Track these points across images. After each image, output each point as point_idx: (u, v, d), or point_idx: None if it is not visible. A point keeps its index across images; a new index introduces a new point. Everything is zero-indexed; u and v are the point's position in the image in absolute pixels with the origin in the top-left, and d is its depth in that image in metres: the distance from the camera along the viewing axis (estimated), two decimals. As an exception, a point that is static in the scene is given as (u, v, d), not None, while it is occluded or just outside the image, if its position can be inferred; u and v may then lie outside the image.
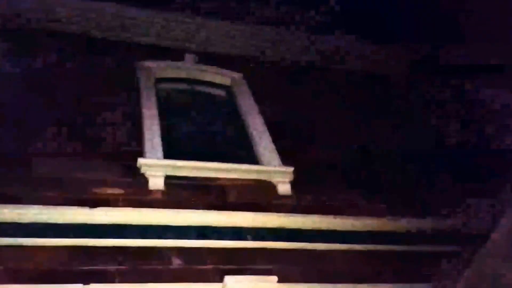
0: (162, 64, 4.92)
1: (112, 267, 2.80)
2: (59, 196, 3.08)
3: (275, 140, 4.23)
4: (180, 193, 3.45)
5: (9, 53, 4.32)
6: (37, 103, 3.88)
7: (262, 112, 4.58)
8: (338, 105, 5.12)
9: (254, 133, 4.31)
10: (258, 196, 3.67)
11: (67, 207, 2.96)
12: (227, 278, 2.87)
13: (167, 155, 3.67)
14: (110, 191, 3.26)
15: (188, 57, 5.10)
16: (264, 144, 4.18)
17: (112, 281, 2.72)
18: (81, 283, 2.62)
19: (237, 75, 5.12)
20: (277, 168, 3.90)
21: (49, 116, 3.79)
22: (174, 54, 5.12)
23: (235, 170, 3.77)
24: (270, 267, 3.10)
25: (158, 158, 3.58)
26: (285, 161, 3.98)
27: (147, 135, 3.80)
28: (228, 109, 4.82)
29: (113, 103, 4.14)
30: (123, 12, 5.07)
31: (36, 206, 2.90)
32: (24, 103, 3.83)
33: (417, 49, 5.90)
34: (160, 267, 2.91)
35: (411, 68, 5.94)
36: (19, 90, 3.98)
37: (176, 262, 2.97)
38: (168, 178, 3.50)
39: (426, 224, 3.70)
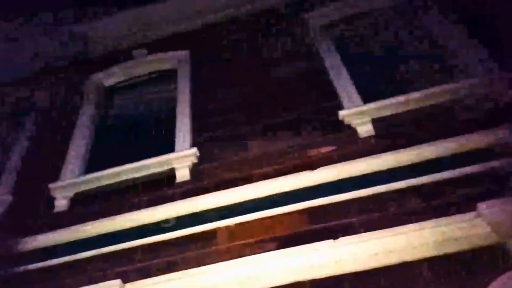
0: (326, 8, 4.64)
1: (352, 219, 2.80)
2: (281, 167, 3.26)
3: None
4: (394, 132, 3.20)
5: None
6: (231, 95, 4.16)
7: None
8: None
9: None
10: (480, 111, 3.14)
11: (290, 176, 3.11)
12: (480, 205, 2.51)
13: (366, 99, 3.45)
14: (323, 150, 3.27)
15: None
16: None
17: (357, 231, 2.71)
18: (330, 238, 2.69)
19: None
20: (494, 76, 3.20)
21: (246, 103, 4.01)
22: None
23: (446, 91, 3.27)
24: None
25: (358, 106, 3.41)
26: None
27: (338, 85, 3.67)
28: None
29: (295, 65, 4.14)
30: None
31: (262, 182, 3.14)
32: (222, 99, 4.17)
33: None
34: (400, 210, 2.76)
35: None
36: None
37: (416, 201, 2.77)
38: (375, 122, 3.30)
39: None
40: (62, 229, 3.35)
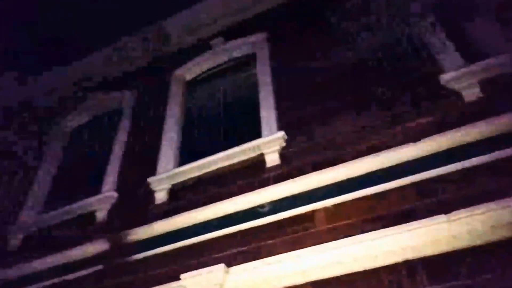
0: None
1: (463, 192, 2.52)
2: (378, 143, 3.02)
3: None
4: (507, 93, 2.80)
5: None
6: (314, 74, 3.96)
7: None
8: None
9: None
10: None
11: (390, 150, 2.87)
12: None
13: (469, 59, 3.07)
14: (424, 120, 2.97)
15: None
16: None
17: (471, 204, 2.40)
18: (442, 213, 2.45)
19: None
20: None
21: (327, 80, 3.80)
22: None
23: None
24: None
25: (464, 65, 3.03)
26: None
27: (436, 46, 3.31)
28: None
29: (378, 38, 3.80)
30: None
31: (361, 158, 2.94)
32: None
33: None
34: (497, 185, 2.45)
35: None
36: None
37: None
38: (483, 83, 2.92)
39: None
40: (164, 220, 3.49)
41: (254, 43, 4.68)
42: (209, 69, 5.01)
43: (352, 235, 2.63)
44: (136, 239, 3.55)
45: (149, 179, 3.90)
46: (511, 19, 3.33)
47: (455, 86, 3.01)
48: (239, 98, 4.46)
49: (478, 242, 2.33)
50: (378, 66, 3.58)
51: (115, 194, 4.09)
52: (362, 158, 2.96)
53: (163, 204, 3.76)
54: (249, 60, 4.68)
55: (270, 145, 3.48)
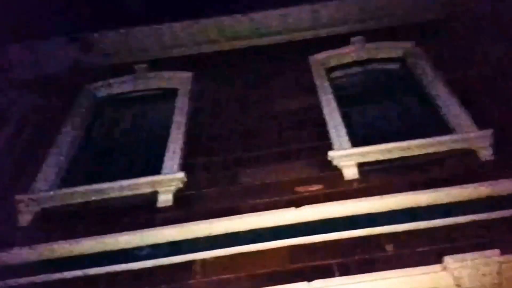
0: (330, 53, 4.76)
1: (330, 261, 2.78)
2: (267, 201, 3.22)
3: (464, 105, 3.68)
4: (377, 178, 3.26)
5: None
6: (228, 120, 4.14)
7: (444, 77, 4.03)
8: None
9: (440, 101, 3.81)
10: (461, 167, 3.26)
11: (276, 211, 3.07)
12: (447, 258, 2.62)
13: (355, 142, 3.50)
14: (310, 188, 3.27)
15: (354, 40, 4.80)
16: (453, 111, 3.66)
17: (333, 275, 2.70)
18: (305, 280, 2.66)
19: (409, 44, 4.61)
20: (475, 134, 3.37)
21: (243, 129, 3.99)
22: (340, 40, 4.91)
23: (429, 144, 3.37)
24: (488, 240, 2.73)
25: (346, 148, 3.45)
26: (479, 124, 3.45)
27: (331, 127, 3.70)
28: (405, 82, 4.37)
29: (296, 103, 4.16)
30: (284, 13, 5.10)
31: (250, 214, 3.08)
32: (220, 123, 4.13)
33: None
34: (374, 255, 2.79)
35: None
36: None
37: (390, 248, 2.81)
38: (361, 166, 3.34)
39: None
40: (21, 248, 3.05)
41: (179, 79, 4.73)
42: (127, 92, 4.87)
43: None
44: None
45: (17, 197, 3.43)
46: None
47: (339, 163, 3.37)
48: (150, 130, 4.37)
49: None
50: (285, 129, 3.88)
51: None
52: (251, 214, 3.06)
53: (26, 228, 3.33)
54: (169, 94, 4.65)
55: (166, 184, 3.42)
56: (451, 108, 3.71)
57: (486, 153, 3.28)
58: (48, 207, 3.47)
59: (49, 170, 3.78)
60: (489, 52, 4.31)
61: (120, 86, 4.89)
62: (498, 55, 4.24)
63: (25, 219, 3.40)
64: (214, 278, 2.81)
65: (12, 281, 2.93)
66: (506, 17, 4.62)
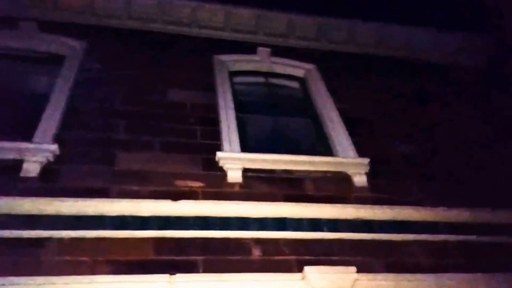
0: (236, 57, 4.80)
1: (196, 257, 2.77)
2: (143, 189, 3.10)
3: (349, 132, 4.02)
4: (258, 185, 3.35)
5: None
6: (115, 99, 3.89)
7: (336, 104, 4.33)
8: (408, 96, 4.79)
9: (329, 125, 4.09)
10: (335, 188, 3.52)
11: (151, 200, 2.97)
12: (307, 269, 2.79)
13: (244, 148, 3.58)
14: (190, 184, 3.22)
15: (261, 50, 4.92)
16: (339, 136, 3.96)
17: (196, 271, 2.69)
18: (167, 273, 2.60)
19: (310, 67, 4.86)
20: (353, 160, 3.71)
21: (129, 111, 3.78)
22: (247, 47, 4.98)
23: (311, 162, 3.59)
24: (348, 258, 3.00)
25: (235, 152, 3.50)
26: (360, 153, 3.79)
27: (224, 128, 3.71)
28: (302, 101, 4.60)
29: (191, 97, 4.08)
30: (198, 7, 5.00)
31: (121, 200, 2.94)
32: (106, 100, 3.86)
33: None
34: (241, 257, 2.85)
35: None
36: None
37: (256, 253, 2.90)
38: (245, 171, 3.40)
39: (504, 215, 3.47)
40: None
41: (69, 46, 4.32)
42: (7, 48, 4.24)
43: (83, 274, 2.51)
44: None
45: None
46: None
47: (225, 165, 3.39)
48: (29, 95, 3.87)
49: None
50: (177, 121, 3.77)
51: None
52: (123, 200, 2.92)
53: None
54: (56, 60, 4.19)
55: (34, 153, 3.06)
56: (337, 132, 3.99)
57: (360, 179, 3.57)
58: None
59: None
60: (381, 88, 4.79)
61: (2, 40, 4.26)
62: (389, 92, 4.74)
63: None
64: (69, 258, 2.59)
65: None
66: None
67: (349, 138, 3.94)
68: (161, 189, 3.12)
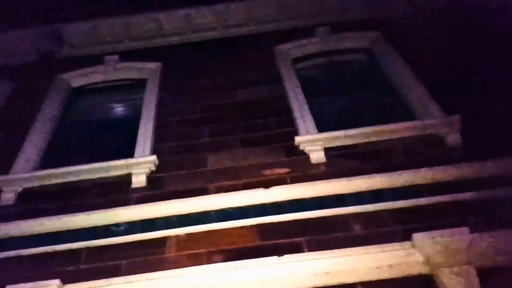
0: (296, 43, 4.84)
1: (298, 239, 2.85)
2: (236, 183, 3.30)
3: (430, 92, 3.81)
4: (343, 162, 3.34)
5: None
6: (195, 109, 4.20)
7: (411, 66, 4.15)
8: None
9: (407, 89, 3.93)
10: (427, 151, 3.35)
11: (245, 191, 3.14)
12: (416, 235, 2.65)
13: (321, 129, 3.59)
14: (277, 171, 3.34)
15: (319, 30, 4.89)
16: (420, 98, 3.78)
17: (302, 250, 2.78)
18: (275, 255, 2.71)
19: (375, 35, 4.73)
20: (442, 120, 3.47)
21: (209, 117, 4.05)
22: (305, 31, 4.99)
23: (395, 130, 3.47)
24: (456, 220, 2.79)
25: (313, 133, 3.53)
26: (447, 111, 3.57)
27: (297, 114, 3.78)
28: (370, 72, 4.49)
29: (259, 92, 4.25)
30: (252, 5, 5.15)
31: (220, 195, 3.16)
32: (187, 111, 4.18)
33: None
34: (342, 234, 2.86)
35: None
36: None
37: (358, 227, 2.89)
38: (327, 150, 3.42)
39: None
40: (5, 224, 3.15)
41: (148, 70, 4.78)
42: (99, 82, 4.89)
43: (195, 265, 2.74)
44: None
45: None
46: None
47: (306, 148, 3.45)
48: (122, 118, 4.44)
49: (302, 286, 2.60)
50: (252, 117, 3.95)
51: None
52: (220, 194, 3.15)
53: (8, 206, 3.39)
54: (140, 84, 4.70)
55: (139, 166, 3.46)
56: (418, 96, 3.81)
57: (453, 138, 3.37)
58: (29, 187, 3.51)
59: (29, 153, 3.83)
60: (457, 44, 4.48)
61: (92, 76, 4.90)
62: (464, 47, 4.41)
63: (7, 198, 3.44)
64: (187, 252, 2.86)
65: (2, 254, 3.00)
66: (471, 9, 4.81)
67: (432, 99, 3.74)
68: (252, 180, 3.28)
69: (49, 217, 3.15)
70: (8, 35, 5.15)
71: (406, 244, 2.67)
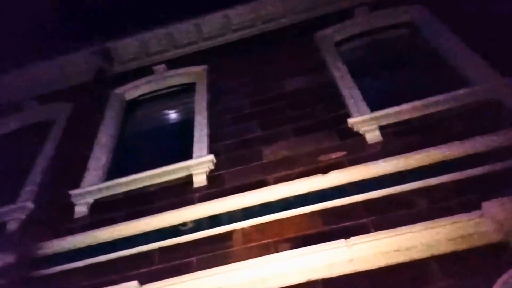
0: (337, 27, 4.80)
1: (363, 220, 2.81)
2: (294, 172, 3.30)
3: (482, 57, 3.59)
4: (400, 138, 3.25)
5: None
6: (244, 105, 4.27)
7: (459, 34, 3.95)
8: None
9: (457, 57, 3.74)
10: (488, 118, 3.16)
11: (304, 179, 3.14)
12: (486, 204, 2.52)
13: (373, 108, 3.50)
14: (334, 155, 3.31)
15: (359, 10, 4.80)
16: (472, 65, 3.58)
17: (368, 231, 2.72)
18: (342, 238, 2.69)
19: (418, 7, 4.55)
20: (500, 82, 3.27)
21: (259, 111, 4.10)
22: (345, 14, 4.94)
23: (450, 100, 3.32)
24: None
25: (366, 113, 3.45)
26: (503, 74, 3.34)
27: (347, 96, 3.72)
28: (415, 46, 4.32)
29: (305, 80, 4.23)
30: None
31: (279, 185, 3.18)
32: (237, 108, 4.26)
33: None
34: (407, 211, 2.77)
35: None
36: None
37: (422, 203, 2.78)
38: (382, 129, 3.34)
39: None
40: (81, 234, 3.37)
41: (195, 73, 4.95)
42: (151, 92, 5.13)
43: (263, 255, 2.77)
44: (48, 253, 3.35)
45: (71, 192, 3.76)
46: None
47: (360, 129, 3.39)
48: (176, 122, 4.65)
49: (372, 266, 2.56)
50: (301, 105, 3.94)
51: (31, 205, 3.84)
52: (279, 184, 3.17)
53: (82, 217, 3.64)
54: (189, 88, 4.88)
55: (199, 167, 3.58)
56: (470, 62, 3.63)
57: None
58: (99, 198, 3.75)
59: (95, 167, 4.08)
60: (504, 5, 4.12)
61: (143, 87, 5.16)
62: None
63: (80, 210, 3.69)
64: (253, 244, 2.90)
65: (80, 263, 3.21)
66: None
67: (484, 63, 3.53)
68: (309, 168, 3.27)
69: (120, 224, 3.34)
70: (60, 60, 5.54)
71: (476, 213, 2.55)
